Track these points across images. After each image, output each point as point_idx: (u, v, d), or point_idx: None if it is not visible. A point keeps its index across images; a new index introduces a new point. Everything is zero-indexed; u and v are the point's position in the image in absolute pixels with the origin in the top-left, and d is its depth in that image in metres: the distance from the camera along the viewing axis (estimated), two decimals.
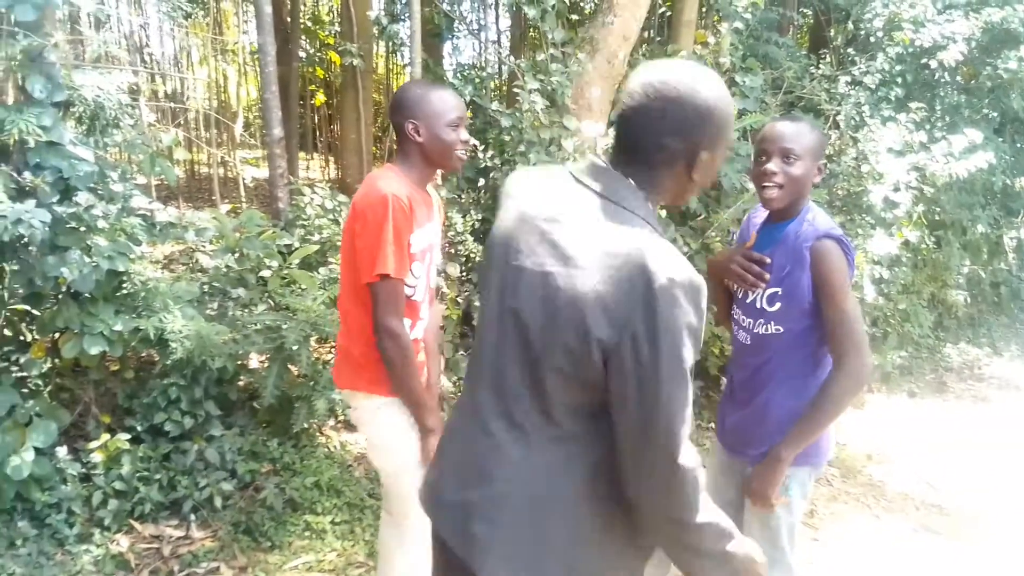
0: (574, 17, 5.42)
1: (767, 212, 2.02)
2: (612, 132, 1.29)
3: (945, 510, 3.73)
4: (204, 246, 3.83)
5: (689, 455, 1.16)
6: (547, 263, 1.21)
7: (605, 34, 4.44)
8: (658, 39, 6.39)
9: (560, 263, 1.19)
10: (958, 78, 6.44)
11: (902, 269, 5.26)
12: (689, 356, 1.12)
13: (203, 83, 8.43)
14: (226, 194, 5.90)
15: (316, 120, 10.43)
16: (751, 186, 4.47)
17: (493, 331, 1.29)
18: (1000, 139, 6.57)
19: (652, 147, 1.23)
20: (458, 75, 7.10)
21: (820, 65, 5.53)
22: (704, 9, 6.18)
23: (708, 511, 1.21)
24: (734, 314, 2.07)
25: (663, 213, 4.18)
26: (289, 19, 7.16)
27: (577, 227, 1.20)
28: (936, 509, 3.74)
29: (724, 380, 2.22)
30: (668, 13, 5.99)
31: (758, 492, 1.92)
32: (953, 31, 5.64)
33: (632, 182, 1.24)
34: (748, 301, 2.00)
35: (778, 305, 1.91)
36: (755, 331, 1.97)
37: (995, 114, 6.67)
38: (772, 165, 1.87)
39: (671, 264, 1.12)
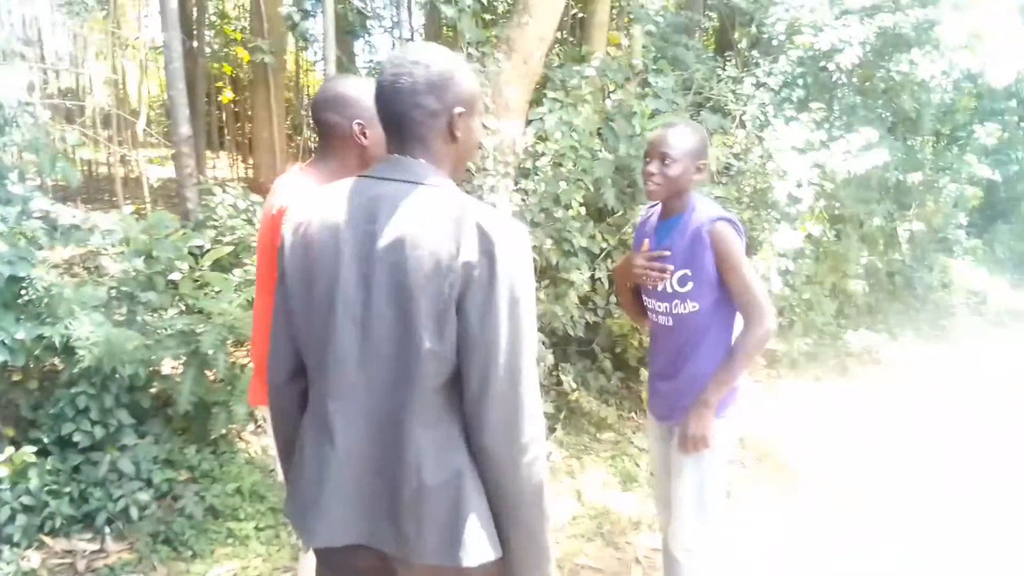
0: (488, 17, 5.47)
1: (657, 214, 2.31)
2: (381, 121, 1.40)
3: (852, 488, 3.94)
4: (107, 249, 3.68)
5: (532, 387, 1.28)
6: (382, 257, 1.27)
7: (521, 34, 4.50)
8: (571, 40, 6.50)
9: (395, 251, 1.26)
10: (854, 80, 6.81)
11: (805, 261, 5.53)
12: (525, 292, 1.27)
13: (101, 80, 8.05)
14: (128, 194, 5.65)
15: (223, 118, 10.11)
16: None
17: (347, 340, 1.30)
18: (893, 138, 6.99)
19: (413, 111, 1.33)
20: (372, 73, 7.04)
21: (726, 67, 5.74)
22: (615, 11, 6.33)
23: (540, 460, 1.31)
24: (649, 306, 2.31)
25: (582, 211, 4.26)
26: (195, 13, 6.93)
27: (396, 216, 1.28)
28: (843, 487, 3.95)
29: (649, 362, 2.44)
30: (581, 15, 6.10)
31: (694, 434, 2.14)
32: (849, 35, 5.96)
33: (420, 160, 1.35)
34: (660, 290, 2.24)
35: (690, 285, 2.18)
36: (675, 312, 2.22)
37: (888, 114, 7.09)
38: (652, 167, 2.16)
39: (494, 215, 1.28)
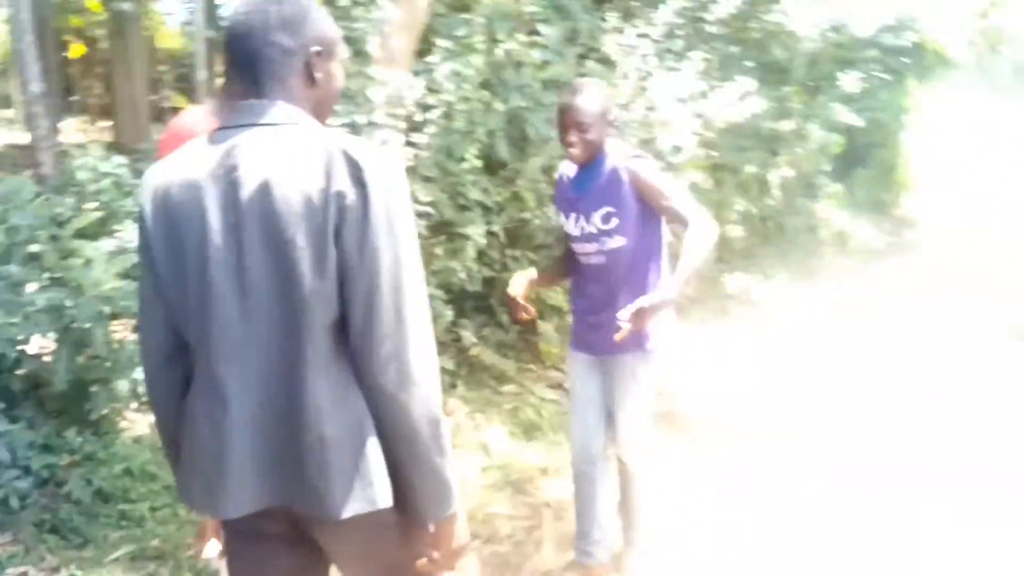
0: None
1: (572, 167, 2.51)
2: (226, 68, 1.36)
3: (739, 425, 4.14)
4: None
5: (420, 317, 1.25)
6: (250, 204, 1.21)
7: None
8: None
9: (262, 196, 1.20)
10: (729, 31, 7.03)
11: None
12: (402, 218, 1.23)
13: None
14: None
15: (70, 76, 9.16)
16: (555, 134, 4.67)
17: (227, 299, 1.23)
18: (765, 87, 7.29)
19: (266, 48, 1.27)
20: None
21: (607, 18, 5.76)
22: None
23: (434, 395, 1.27)
24: (579, 250, 2.50)
25: (478, 164, 4.21)
26: None
27: (258, 160, 1.22)
28: (740, 428, 4.09)
29: (579, 305, 2.65)
30: None
31: (641, 307, 2.17)
32: None
33: (276, 100, 1.28)
34: (584, 233, 2.44)
35: (614, 221, 2.36)
36: (606, 249, 2.40)
37: (760, 64, 7.38)
38: (572, 137, 2.33)
39: (359, 143, 1.25)
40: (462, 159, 4.16)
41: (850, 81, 8.56)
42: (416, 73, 4.33)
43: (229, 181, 1.22)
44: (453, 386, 4.12)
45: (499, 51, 4.68)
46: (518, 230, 4.70)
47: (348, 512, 1.26)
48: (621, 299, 2.40)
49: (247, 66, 1.29)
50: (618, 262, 2.42)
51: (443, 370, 4.06)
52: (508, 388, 4.34)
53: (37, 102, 3.81)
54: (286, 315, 1.22)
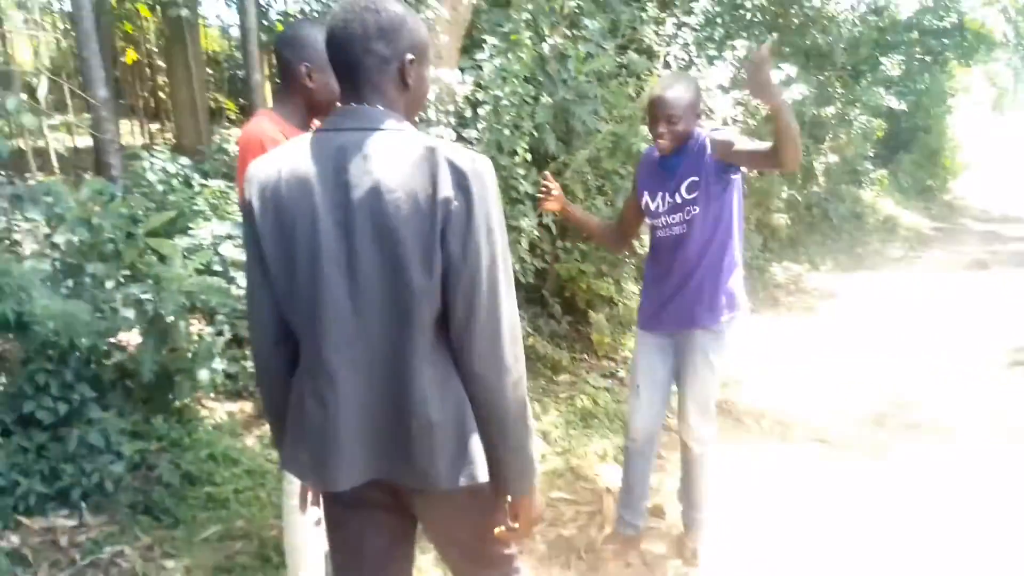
0: None
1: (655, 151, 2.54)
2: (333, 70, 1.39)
3: (798, 422, 4.09)
4: (39, 221, 3.49)
5: (511, 311, 1.35)
6: (360, 205, 1.29)
7: None
8: None
9: (372, 197, 1.28)
10: (767, 18, 7.02)
11: None
12: (498, 221, 1.33)
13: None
14: (24, 166, 5.18)
15: (129, 80, 9.50)
16: (603, 127, 4.73)
17: (337, 291, 1.32)
18: (807, 73, 7.26)
19: (365, 57, 1.34)
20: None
21: (647, 9, 5.79)
22: None
23: (523, 380, 1.39)
24: (660, 223, 2.56)
25: (528, 158, 4.28)
26: None
27: (367, 163, 1.29)
28: (790, 425, 4.07)
29: (654, 281, 2.67)
30: None
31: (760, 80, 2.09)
32: None
33: (376, 106, 1.36)
34: (669, 205, 2.50)
35: (696, 192, 2.43)
36: (688, 218, 2.47)
37: (801, 50, 7.35)
38: (661, 128, 2.40)
39: (462, 151, 1.32)
40: (512, 153, 4.23)
41: (891, 64, 8.50)
42: (463, 70, 4.42)
43: (339, 182, 1.30)
44: None
45: (543, 46, 4.75)
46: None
47: (452, 485, 1.37)
48: (698, 273, 2.50)
49: (346, 72, 1.36)
50: (695, 231, 2.47)
51: None
52: (563, 378, 4.41)
53: (103, 107, 3.97)
54: (395, 309, 1.31)
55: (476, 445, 1.38)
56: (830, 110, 7.65)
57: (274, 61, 2.00)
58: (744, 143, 2.37)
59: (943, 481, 3.37)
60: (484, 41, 4.38)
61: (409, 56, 1.37)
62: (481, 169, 1.31)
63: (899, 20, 7.83)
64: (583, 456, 3.59)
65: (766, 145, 2.27)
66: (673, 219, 2.53)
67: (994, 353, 5.00)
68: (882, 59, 8.42)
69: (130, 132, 8.41)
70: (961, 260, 7.95)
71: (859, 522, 3.02)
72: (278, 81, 2.07)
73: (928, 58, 10.03)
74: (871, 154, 9.00)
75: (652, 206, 2.57)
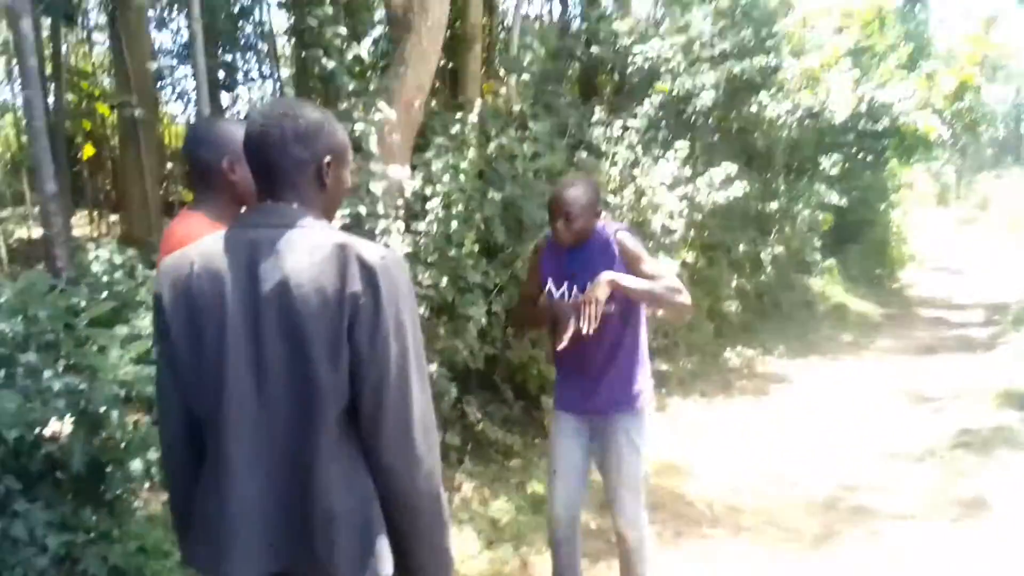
0: (358, 69, 5.59)
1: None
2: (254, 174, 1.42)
3: (751, 510, 4.01)
4: None
5: (423, 402, 1.36)
6: (269, 299, 1.31)
7: (400, 84, 4.66)
8: (446, 90, 6.74)
9: (281, 292, 1.30)
10: (710, 121, 7.42)
11: None
12: (409, 315, 1.35)
13: None
14: None
15: (84, 175, 9.68)
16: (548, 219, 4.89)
17: (243, 385, 1.32)
18: (750, 171, 7.64)
19: (284, 160, 1.37)
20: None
21: (595, 111, 6.11)
22: (485, 64, 6.63)
23: (436, 472, 1.39)
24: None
25: (475, 249, 4.41)
26: (51, 70, 6.74)
27: (277, 259, 1.32)
28: (741, 510, 4.01)
29: (568, 366, 2.70)
30: (453, 67, 6.31)
31: (600, 281, 2.40)
32: (703, 81, 6.54)
33: (292, 204, 1.38)
34: (573, 296, 2.55)
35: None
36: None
37: (743, 150, 7.75)
38: (559, 224, 2.53)
39: (371, 247, 1.35)
40: (461, 244, 4.36)
41: (831, 163, 8.96)
42: (414, 167, 4.61)
43: (250, 276, 1.32)
44: (460, 461, 4.17)
45: (492, 145, 4.98)
46: None
47: None
48: (614, 363, 2.57)
49: (264, 173, 1.39)
50: (609, 329, 2.51)
51: (449, 446, 4.17)
52: (514, 463, 4.38)
53: (51, 201, 4.04)
54: (300, 403, 1.32)
55: (383, 541, 1.37)
56: (774, 205, 7.99)
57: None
58: (648, 266, 2.52)
59: (894, 563, 3.38)
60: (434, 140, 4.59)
61: (327, 158, 1.40)
62: (390, 264, 1.33)
63: (835, 124, 8.31)
64: (532, 543, 3.54)
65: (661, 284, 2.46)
66: None
67: (940, 436, 5.07)
68: (821, 159, 8.89)
69: (88, 223, 8.53)
70: (910, 345, 8.17)
71: None
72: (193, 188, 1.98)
73: (870, 157, 10.60)
74: (819, 244, 9.33)
75: (556, 294, 2.62)
